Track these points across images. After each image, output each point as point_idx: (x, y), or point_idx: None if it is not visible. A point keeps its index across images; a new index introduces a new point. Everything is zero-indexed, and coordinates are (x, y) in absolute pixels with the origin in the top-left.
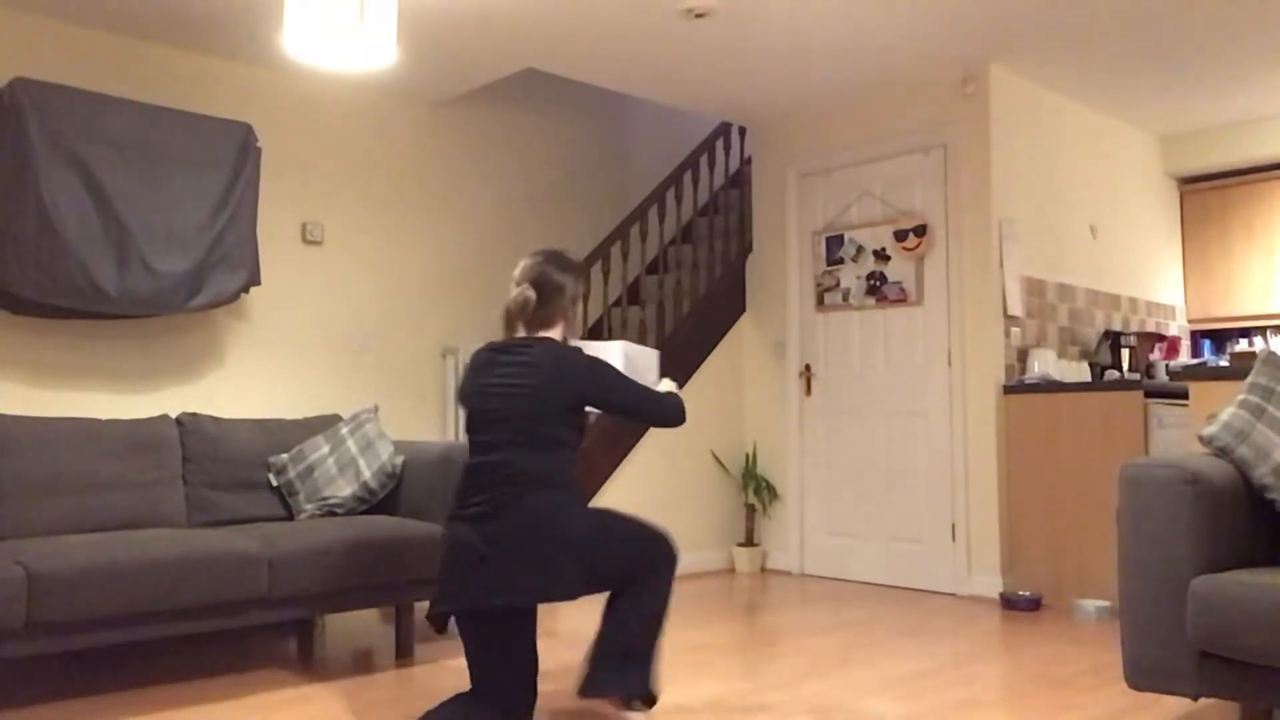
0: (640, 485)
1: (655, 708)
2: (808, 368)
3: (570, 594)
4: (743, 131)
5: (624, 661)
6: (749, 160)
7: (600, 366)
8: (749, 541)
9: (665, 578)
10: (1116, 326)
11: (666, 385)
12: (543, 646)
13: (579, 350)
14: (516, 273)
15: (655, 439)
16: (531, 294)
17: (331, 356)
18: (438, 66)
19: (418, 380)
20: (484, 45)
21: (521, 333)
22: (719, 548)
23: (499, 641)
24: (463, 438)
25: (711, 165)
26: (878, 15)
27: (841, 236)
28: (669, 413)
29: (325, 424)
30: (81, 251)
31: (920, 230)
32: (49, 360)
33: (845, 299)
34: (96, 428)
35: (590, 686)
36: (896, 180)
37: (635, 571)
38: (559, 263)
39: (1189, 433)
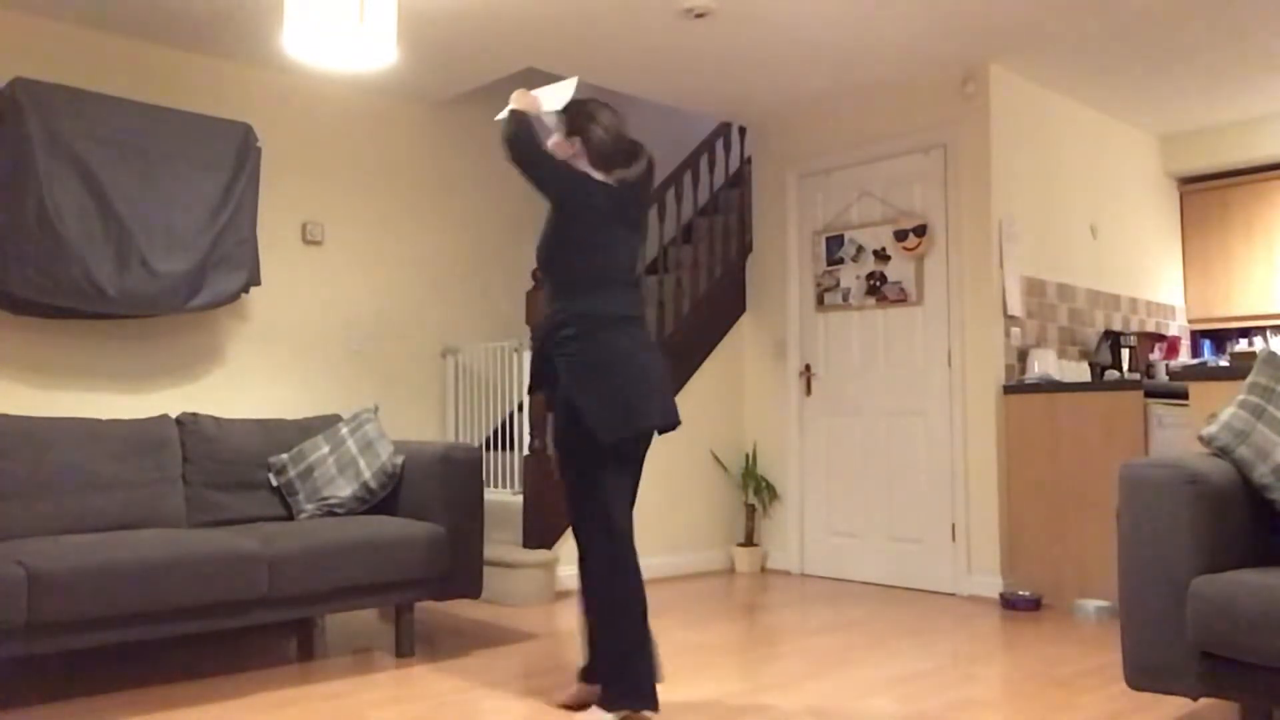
0: (640, 485)
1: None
2: (808, 368)
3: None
4: (743, 131)
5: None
6: (749, 160)
7: None
8: (749, 541)
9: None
10: (1116, 326)
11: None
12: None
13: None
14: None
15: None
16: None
17: (331, 356)
18: (438, 66)
19: (418, 380)
20: (484, 45)
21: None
22: (719, 548)
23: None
24: (463, 437)
25: (711, 165)
26: (878, 15)
27: (841, 236)
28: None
29: (325, 424)
30: (81, 251)
31: (920, 230)
32: (49, 360)
33: (845, 299)
34: (96, 428)
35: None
36: (896, 180)
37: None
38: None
39: (1189, 433)
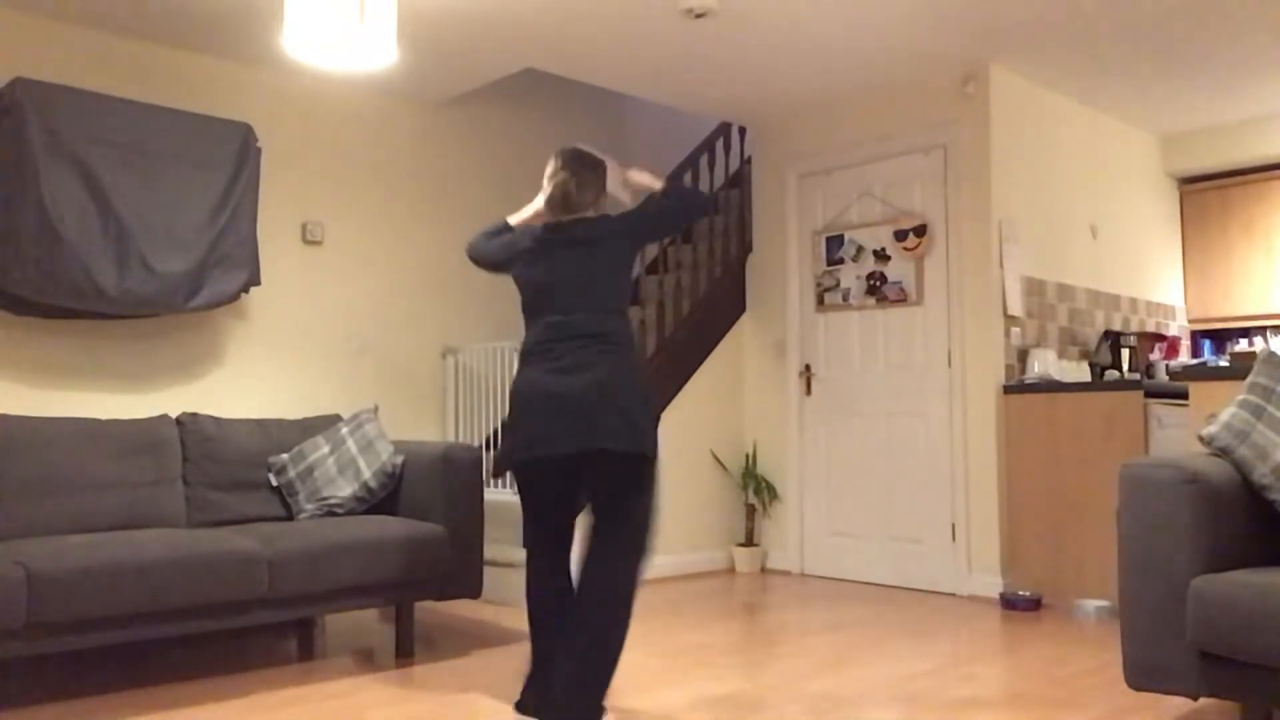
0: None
1: (654, 708)
2: (808, 368)
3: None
4: (743, 131)
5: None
6: (749, 160)
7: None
8: (749, 541)
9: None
10: (1116, 326)
11: (640, 177)
12: None
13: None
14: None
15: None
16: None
17: (331, 356)
18: (438, 66)
19: (418, 380)
20: (484, 45)
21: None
22: (719, 548)
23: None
24: (463, 437)
25: (711, 165)
26: (878, 15)
27: (841, 236)
28: (692, 202)
29: (325, 424)
30: (81, 251)
31: (920, 230)
32: (49, 360)
33: (845, 299)
34: (96, 428)
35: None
36: (896, 180)
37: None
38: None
39: (1189, 433)
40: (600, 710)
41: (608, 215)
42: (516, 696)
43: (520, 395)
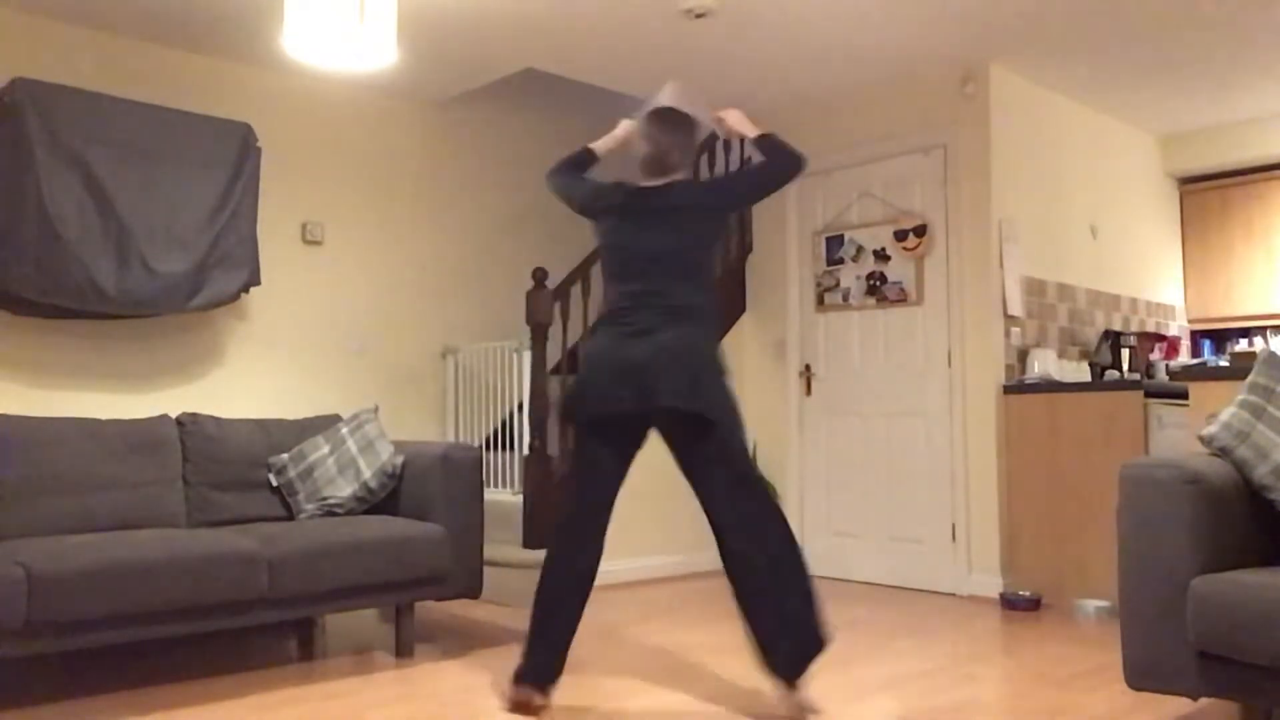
0: (640, 484)
1: (653, 709)
2: (808, 368)
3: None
4: None
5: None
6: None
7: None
8: None
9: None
10: (1116, 326)
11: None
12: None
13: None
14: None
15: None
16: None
17: (331, 356)
18: (438, 66)
19: (418, 380)
20: (484, 45)
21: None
22: None
23: None
24: (463, 437)
25: (711, 165)
26: (878, 15)
27: (841, 236)
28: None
29: (325, 424)
30: (81, 251)
31: (920, 230)
32: (49, 360)
33: (845, 299)
34: (96, 428)
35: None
36: (896, 180)
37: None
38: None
39: (1189, 433)
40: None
41: (698, 181)
42: (515, 667)
43: (590, 357)
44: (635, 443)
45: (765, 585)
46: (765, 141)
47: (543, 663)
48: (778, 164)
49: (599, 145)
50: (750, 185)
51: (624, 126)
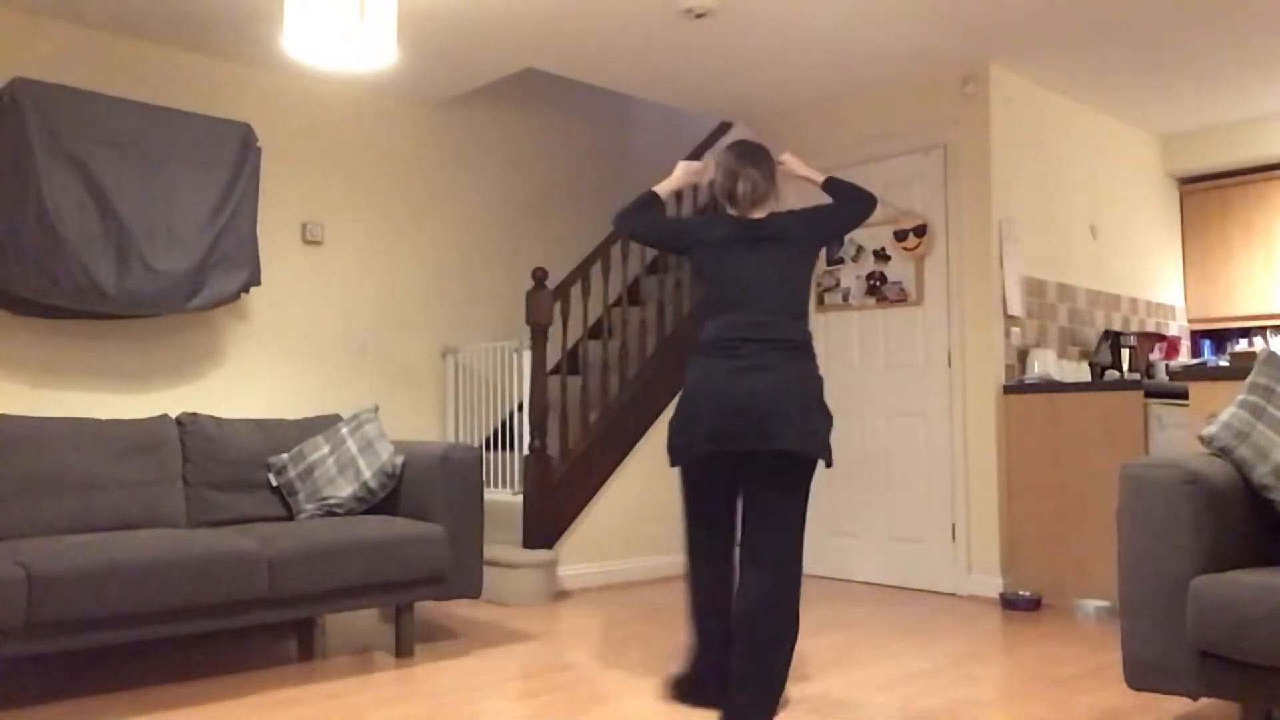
0: (640, 485)
1: (653, 708)
2: None
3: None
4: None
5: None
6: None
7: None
8: None
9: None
10: (1116, 326)
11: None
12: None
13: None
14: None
15: (656, 438)
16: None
17: (331, 356)
18: (438, 66)
19: (418, 380)
20: (484, 45)
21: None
22: None
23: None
24: (463, 437)
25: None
26: (878, 15)
27: (841, 236)
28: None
29: (325, 424)
30: (81, 251)
31: (920, 230)
32: (49, 360)
33: (845, 299)
34: (96, 428)
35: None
36: (896, 180)
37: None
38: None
39: (1189, 433)
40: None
41: (793, 211)
42: (673, 677)
43: (699, 391)
44: (741, 472)
45: (751, 628)
46: (834, 184)
47: (707, 668)
48: (858, 204)
49: (661, 188)
50: (838, 223)
51: (682, 167)
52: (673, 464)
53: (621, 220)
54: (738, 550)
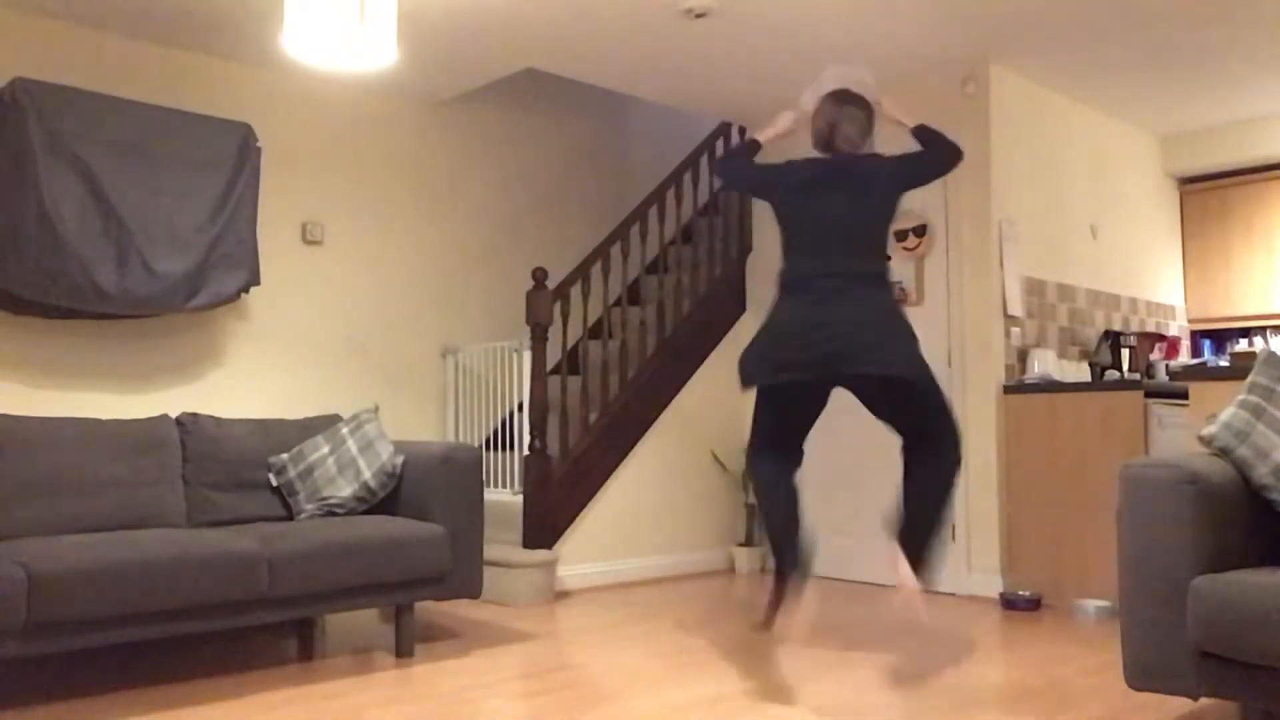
0: (640, 485)
1: (653, 709)
2: None
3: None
4: (743, 131)
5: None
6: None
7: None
8: (749, 541)
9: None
10: (1116, 326)
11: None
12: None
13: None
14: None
15: (656, 437)
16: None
17: (331, 356)
18: (438, 66)
19: (418, 380)
20: (484, 45)
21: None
22: (719, 548)
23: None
24: (463, 437)
25: (712, 165)
26: (878, 15)
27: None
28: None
29: (325, 424)
30: (81, 251)
31: (920, 230)
32: (49, 360)
33: None
34: (96, 428)
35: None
36: None
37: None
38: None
39: (1189, 433)
40: (923, 560)
41: (880, 155)
42: (760, 616)
43: (777, 323)
44: (822, 400)
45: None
46: (924, 132)
47: (792, 558)
48: (944, 153)
49: (763, 135)
50: (927, 168)
51: (786, 115)
52: (746, 387)
53: (720, 166)
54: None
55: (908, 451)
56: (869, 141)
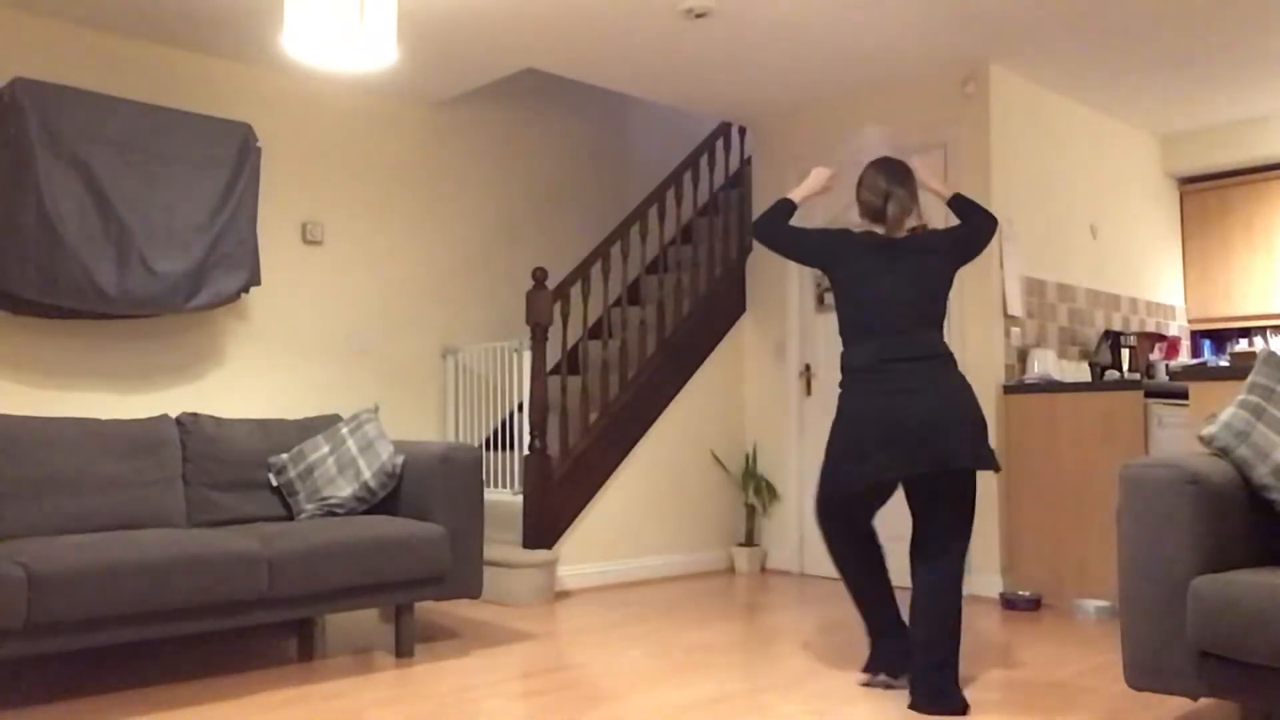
0: (640, 485)
1: (653, 709)
2: (808, 368)
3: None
4: (743, 131)
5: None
6: (749, 160)
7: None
8: (749, 541)
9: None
10: (1116, 326)
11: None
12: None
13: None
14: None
15: (656, 437)
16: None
17: (331, 356)
18: (438, 66)
19: (418, 380)
20: (484, 45)
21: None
22: (719, 548)
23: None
24: (463, 437)
25: (711, 165)
26: (878, 15)
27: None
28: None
29: (325, 424)
30: (81, 251)
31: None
32: (49, 360)
33: None
34: (96, 428)
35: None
36: None
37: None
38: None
39: (1189, 433)
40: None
41: (933, 230)
42: (864, 663)
43: (861, 420)
44: (890, 490)
45: (925, 611)
46: (962, 203)
47: (886, 649)
48: (985, 222)
49: (797, 194)
50: (972, 247)
51: (820, 173)
52: (837, 493)
53: (760, 228)
54: (909, 549)
55: (919, 546)
56: (917, 214)
